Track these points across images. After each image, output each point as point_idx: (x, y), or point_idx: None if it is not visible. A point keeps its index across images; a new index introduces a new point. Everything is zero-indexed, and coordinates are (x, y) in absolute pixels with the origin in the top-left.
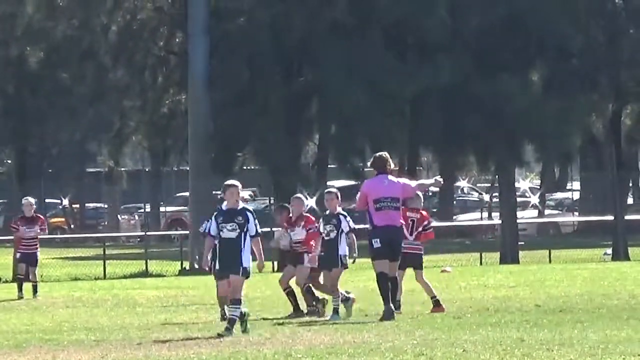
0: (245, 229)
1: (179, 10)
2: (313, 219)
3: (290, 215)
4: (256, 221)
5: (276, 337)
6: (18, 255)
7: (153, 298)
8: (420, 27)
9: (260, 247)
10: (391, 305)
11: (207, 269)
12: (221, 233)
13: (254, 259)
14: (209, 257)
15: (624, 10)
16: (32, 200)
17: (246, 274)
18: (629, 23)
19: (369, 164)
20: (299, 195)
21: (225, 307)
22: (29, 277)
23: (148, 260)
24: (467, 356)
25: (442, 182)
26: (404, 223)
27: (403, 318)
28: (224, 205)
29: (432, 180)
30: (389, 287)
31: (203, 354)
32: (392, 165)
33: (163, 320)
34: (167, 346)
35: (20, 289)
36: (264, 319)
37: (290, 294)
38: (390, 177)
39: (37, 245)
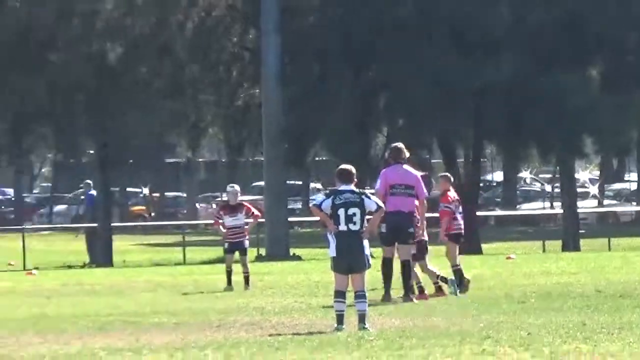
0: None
1: (252, 8)
2: None
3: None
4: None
5: (348, 321)
6: (226, 245)
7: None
8: (482, 24)
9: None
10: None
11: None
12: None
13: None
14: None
15: None
16: (237, 187)
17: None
18: None
19: (386, 154)
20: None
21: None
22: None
23: None
24: (531, 339)
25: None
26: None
27: (470, 303)
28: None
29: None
30: (392, 273)
31: (281, 334)
32: (407, 155)
33: (241, 304)
34: (245, 329)
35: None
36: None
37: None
38: (405, 166)
39: (245, 235)
